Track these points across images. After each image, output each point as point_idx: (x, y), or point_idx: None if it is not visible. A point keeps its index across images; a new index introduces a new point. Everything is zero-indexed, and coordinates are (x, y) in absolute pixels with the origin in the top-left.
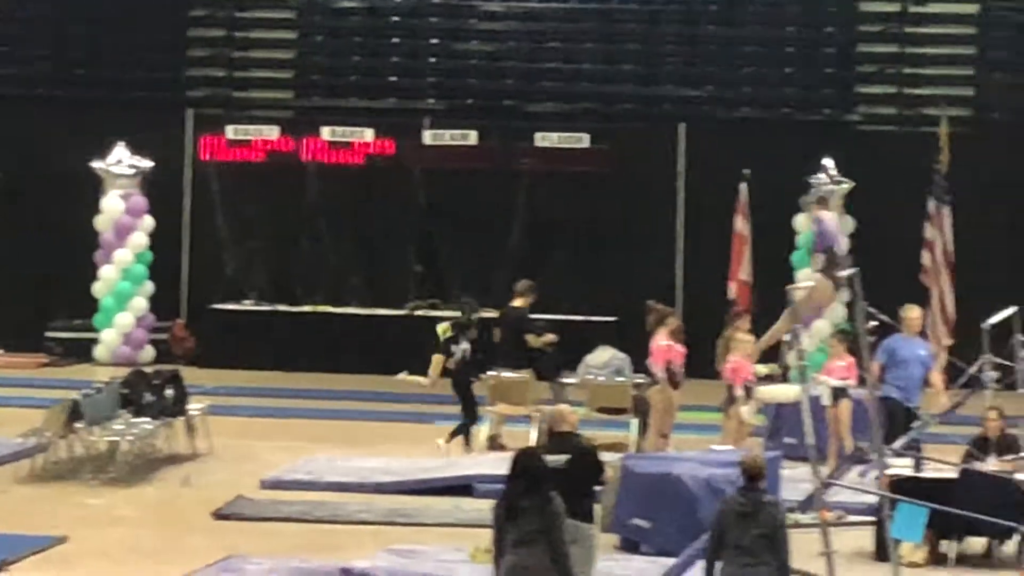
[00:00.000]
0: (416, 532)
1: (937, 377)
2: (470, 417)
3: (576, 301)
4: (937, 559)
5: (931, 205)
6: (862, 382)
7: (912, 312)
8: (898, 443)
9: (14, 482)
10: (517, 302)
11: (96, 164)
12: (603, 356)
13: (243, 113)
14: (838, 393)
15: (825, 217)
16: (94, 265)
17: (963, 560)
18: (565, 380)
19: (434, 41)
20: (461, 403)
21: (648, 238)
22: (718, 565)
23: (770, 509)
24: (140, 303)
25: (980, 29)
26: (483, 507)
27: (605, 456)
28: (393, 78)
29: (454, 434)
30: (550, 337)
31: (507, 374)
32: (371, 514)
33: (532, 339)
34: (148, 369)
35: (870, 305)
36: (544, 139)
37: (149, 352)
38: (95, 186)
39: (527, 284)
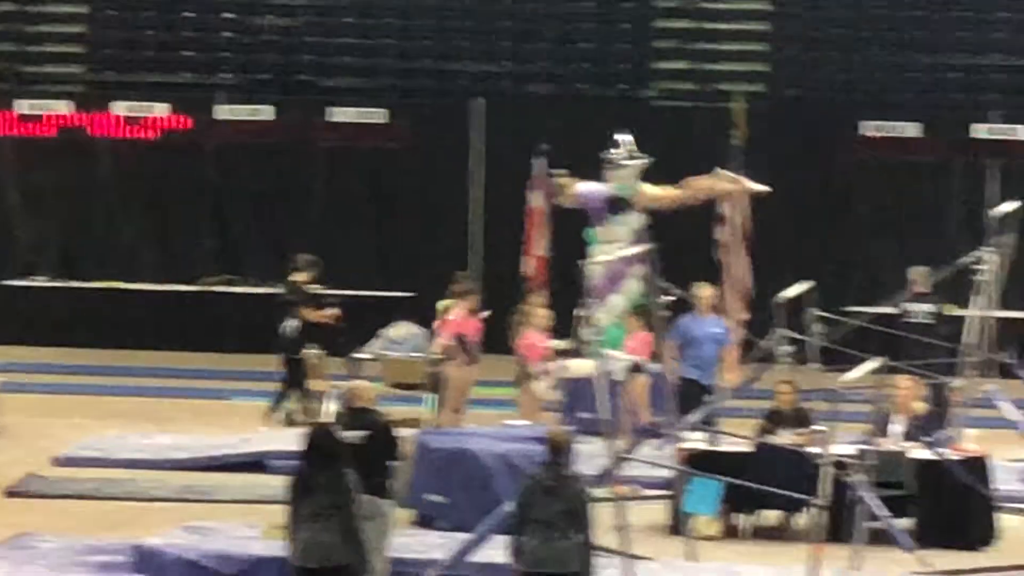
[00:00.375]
0: (210, 509)
1: (730, 353)
2: (297, 391)
3: (374, 276)
4: (731, 532)
5: None
6: (655, 357)
7: (703, 291)
8: (692, 417)
9: None
10: (298, 277)
11: None
12: (401, 331)
13: (34, 88)
14: (633, 368)
15: (580, 189)
16: None
17: (757, 533)
18: (361, 356)
19: (228, 15)
20: (288, 379)
21: (446, 213)
22: (522, 540)
23: (574, 484)
24: None
25: (775, 5)
26: (277, 483)
27: (401, 432)
28: (187, 53)
29: (303, 411)
30: (330, 312)
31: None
32: (164, 491)
33: (309, 313)
34: None
35: (666, 281)
36: (340, 114)
37: None
38: None
39: (308, 259)
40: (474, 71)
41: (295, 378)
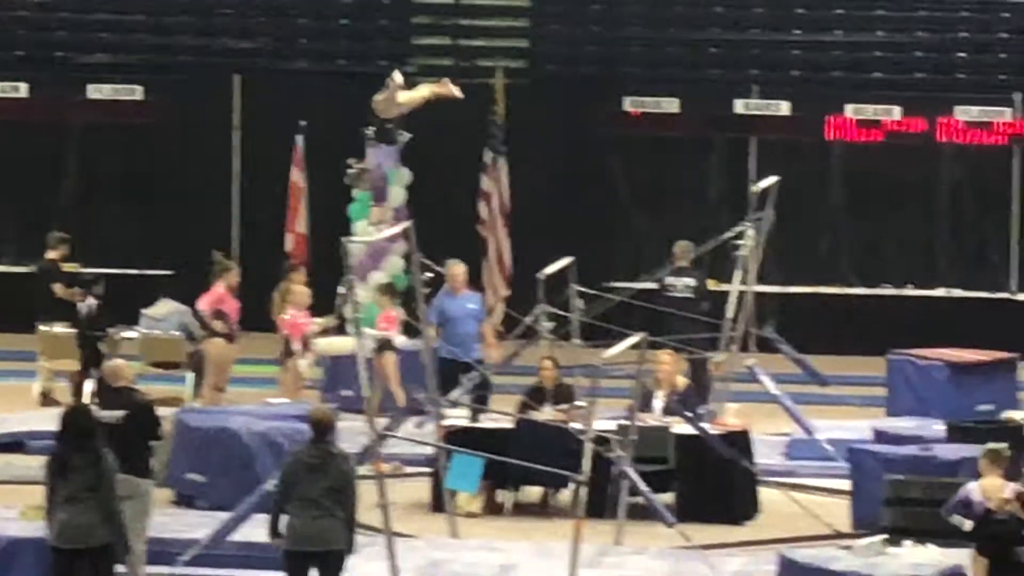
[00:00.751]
0: None
1: (488, 329)
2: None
3: (132, 254)
4: (494, 509)
5: (487, 156)
6: (413, 333)
7: (455, 268)
8: (454, 394)
9: None
10: (50, 255)
11: None
12: (162, 309)
13: None
14: (382, 345)
15: (371, 163)
16: None
17: (519, 509)
18: (120, 334)
19: None
20: (84, 358)
21: (205, 190)
22: (284, 518)
23: (339, 462)
24: None
25: None
26: (35, 464)
27: (161, 411)
28: None
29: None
30: (78, 290)
31: (58, 328)
32: None
33: (60, 290)
34: None
35: (427, 257)
36: (97, 91)
37: None
38: None
39: (58, 236)
40: (232, 47)
41: (92, 358)
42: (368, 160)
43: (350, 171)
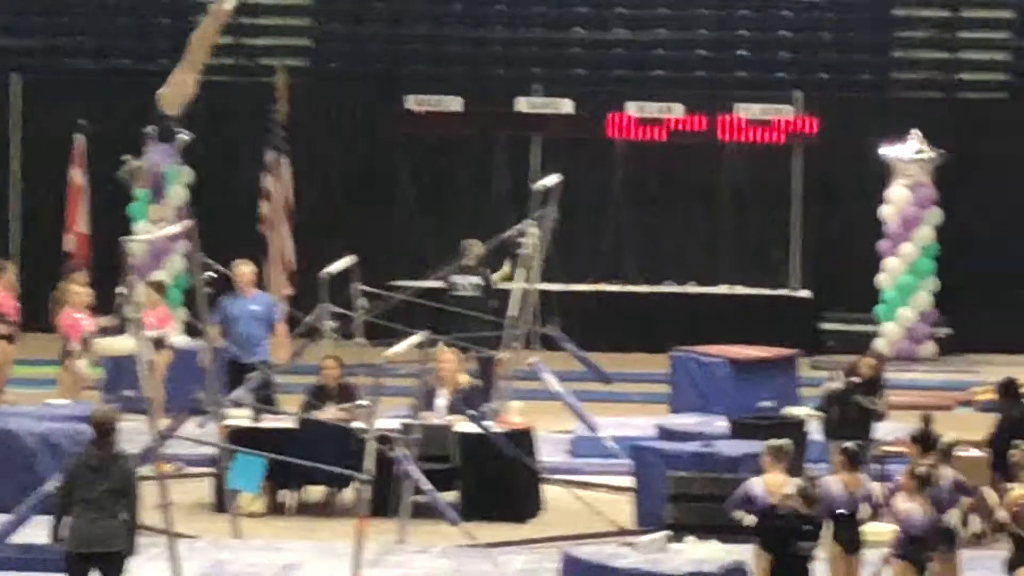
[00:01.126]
0: None
1: (280, 328)
2: None
3: None
4: (276, 508)
5: (269, 155)
6: (195, 333)
7: (241, 268)
8: (236, 394)
9: None
10: None
11: None
12: None
13: None
14: (157, 344)
15: (150, 164)
16: None
17: (303, 509)
18: None
19: None
20: None
21: None
22: (65, 520)
23: (121, 463)
24: None
25: None
26: None
27: None
28: None
29: None
30: None
31: None
32: None
33: None
34: None
35: (210, 257)
36: None
37: None
38: None
39: None
40: (10, 46)
41: None
42: (147, 158)
43: (123, 167)
